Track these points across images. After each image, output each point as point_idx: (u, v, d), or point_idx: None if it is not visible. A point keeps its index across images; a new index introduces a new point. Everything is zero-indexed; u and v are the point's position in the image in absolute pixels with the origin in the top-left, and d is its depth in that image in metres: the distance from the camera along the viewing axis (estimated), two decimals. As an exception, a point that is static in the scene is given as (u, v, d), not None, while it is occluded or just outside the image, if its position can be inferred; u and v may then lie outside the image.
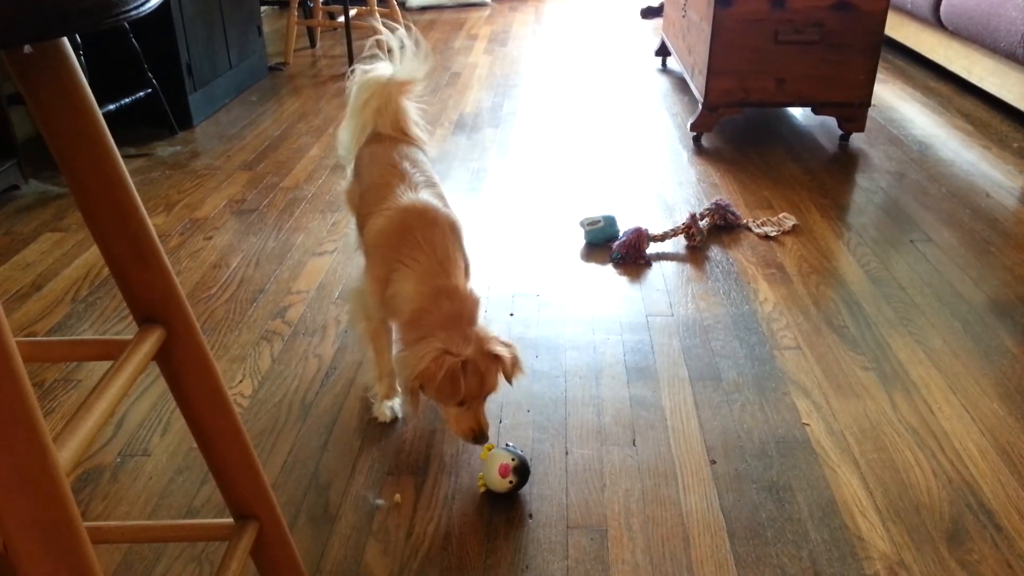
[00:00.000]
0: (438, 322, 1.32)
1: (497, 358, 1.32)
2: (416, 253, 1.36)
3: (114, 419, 1.50)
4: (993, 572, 1.17)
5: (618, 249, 2.10)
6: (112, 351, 0.71)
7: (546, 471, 1.38)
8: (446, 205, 1.48)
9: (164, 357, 0.72)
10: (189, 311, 0.71)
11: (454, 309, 1.33)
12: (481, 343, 1.31)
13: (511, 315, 1.85)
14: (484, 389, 1.32)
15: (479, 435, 1.33)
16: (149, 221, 0.67)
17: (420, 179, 1.50)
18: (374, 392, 1.53)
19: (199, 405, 0.74)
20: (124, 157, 2.80)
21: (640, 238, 2.10)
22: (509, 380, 1.36)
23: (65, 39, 0.56)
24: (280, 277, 2.01)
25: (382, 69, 1.67)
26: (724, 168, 2.70)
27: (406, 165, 1.52)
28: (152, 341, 0.68)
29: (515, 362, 1.35)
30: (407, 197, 1.42)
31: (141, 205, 0.66)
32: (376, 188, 1.49)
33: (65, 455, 0.55)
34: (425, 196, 1.43)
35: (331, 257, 2.11)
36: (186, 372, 0.72)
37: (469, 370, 1.29)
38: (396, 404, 1.51)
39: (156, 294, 0.68)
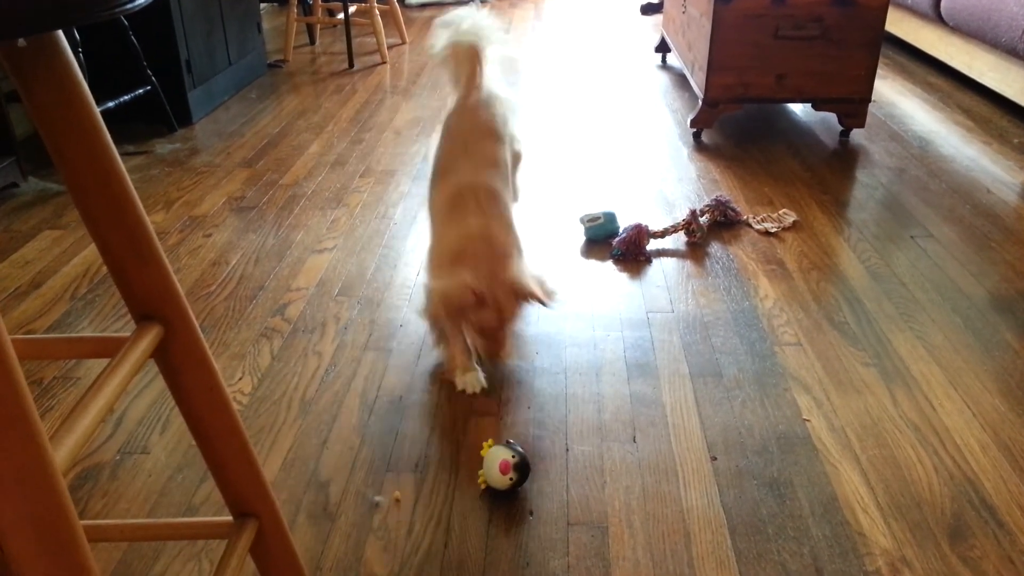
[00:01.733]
0: (470, 261, 1.52)
1: (517, 294, 1.50)
2: (463, 208, 1.60)
3: (113, 417, 1.50)
4: (995, 568, 1.17)
5: (618, 246, 2.10)
6: (109, 348, 0.70)
7: (546, 468, 1.37)
8: (507, 184, 1.71)
9: (162, 354, 0.71)
10: (187, 308, 0.71)
11: (488, 251, 1.53)
12: (504, 280, 1.49)
13: (511, 312, 1.84)
14: (502, 319, 1.49)
15: (493, 354, 1.52)
16: (146, 217, 0.67)
17: (486, 159, 1.71)
18: (460, 380, 1.59)
19: (197, 402, 0.74)
20: (123, 155, 2.79)
21: (640, 235, 2.10)
22: (542, 302, 1.53)
23: (60, 33, 0.55)
24: (280, 274, 2.01)
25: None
26: (724, 164, 2.70)
27: (479, 144, 1.74)
28: (150, 338, 0.67)
29: (534, 294, 1.51)
30: (468, 176, 1.65)
31: (138, 201, 0.66)
32: (448, 159, 1.73)
33: (61, 453, 0.54)
34: (483, 177, 1.64)
35: (331, 254, 2.11)
36: (184, 369, 0.72)
37: (487, 305, 1.47)
38: (481, 375, 1.58)
39: (154, 291, 0.68)
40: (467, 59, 1.87)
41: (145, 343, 0.67)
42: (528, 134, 3.02)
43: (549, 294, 1.54)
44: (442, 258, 1.58)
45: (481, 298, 1.47)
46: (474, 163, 1.69)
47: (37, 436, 0.49)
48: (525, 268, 1.57)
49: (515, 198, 1.94)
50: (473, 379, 1.55)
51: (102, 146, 0.61)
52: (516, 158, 1.92)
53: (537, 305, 1.54)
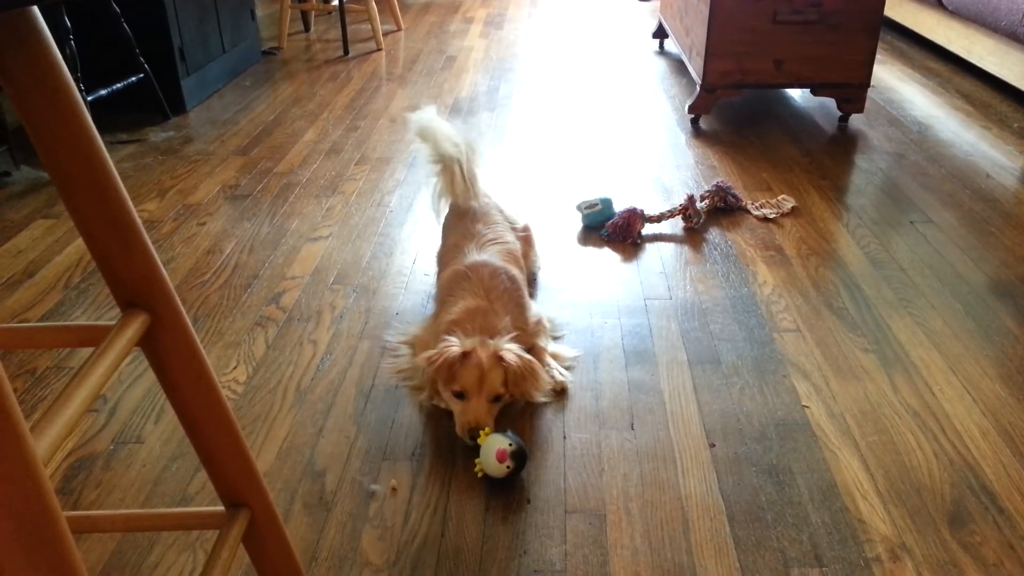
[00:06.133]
0: (463, 329, 1.46)
1: (501, 360, 1.39)
2: (466, 286, 1.55)
3: (107, 406, 1.49)
4: (995, 554, 1.16)
5: (608, 227, 2.09)
6: (96, 337, 0.69)
7: (544, 456, 1.36)
8: (515, 260, 1.69)
9: (149, 343, 0.70)
10: (174, 295, 0.69)
11: (485, 322, 1.47)
12: (494, 346, 1.41)
13: (508, 299, 1.83)
14: (484, 386, 1.39)
15: (474, 426, 1.37)
16: (130, 203, 0.65)
17: (489, 239, 1.69)
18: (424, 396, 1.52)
19: (186, 392, 0.72)
20: (116, 143, 2.77)
21: (633, 219, 2.08)
22: (515, 390, 1.43)
23: (36, 10, 0.53)
24: (274, 263, 1.99)
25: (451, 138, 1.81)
26: (722, 150, 2.68)
27: (479, 227, 1.72)
28: (135, 327, 0.66)
29: (523, 373, 1.41)
30: (471, 256, 1.63)
31: (122, 186, 0.64)
32: (452, 248, 1.70)
33: (43, 444, 0.53)
34: (485, 256, 1.63)
35: (326, 242, 2.09)
36: (172, 358, 0.70)
37: (470, 363, 1.39)
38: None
39: (139, 278, 0.66)
40: (457, 174, 1.80)
41: (131, 332, 0.65)
42: (523, 123, 3.00)
43: (527, 376, 1.42)
44: (438, 329, 1.52)
45: (466, 352, 1.40)
46: (479, 245, 1.66)
47: (16, 427, 0.47)
48: (537, 347, 1.54)
49: (532, 272, 1.91)
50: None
51: (82, 127, 0.59)
52: (526, 238, 1.89)
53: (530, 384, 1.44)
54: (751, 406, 1.47)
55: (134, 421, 1.45)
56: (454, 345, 1.41)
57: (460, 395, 1.40)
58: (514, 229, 1.83)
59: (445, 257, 1.72)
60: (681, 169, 2.54)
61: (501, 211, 1.85)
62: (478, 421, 1.37)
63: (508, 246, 1.70)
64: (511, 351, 1.41)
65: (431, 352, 1.42)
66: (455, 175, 1.77)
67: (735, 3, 2.63)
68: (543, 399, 1.49)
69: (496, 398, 1.41)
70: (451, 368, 1.38)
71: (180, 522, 0.86)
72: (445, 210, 1.86)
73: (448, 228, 1.81)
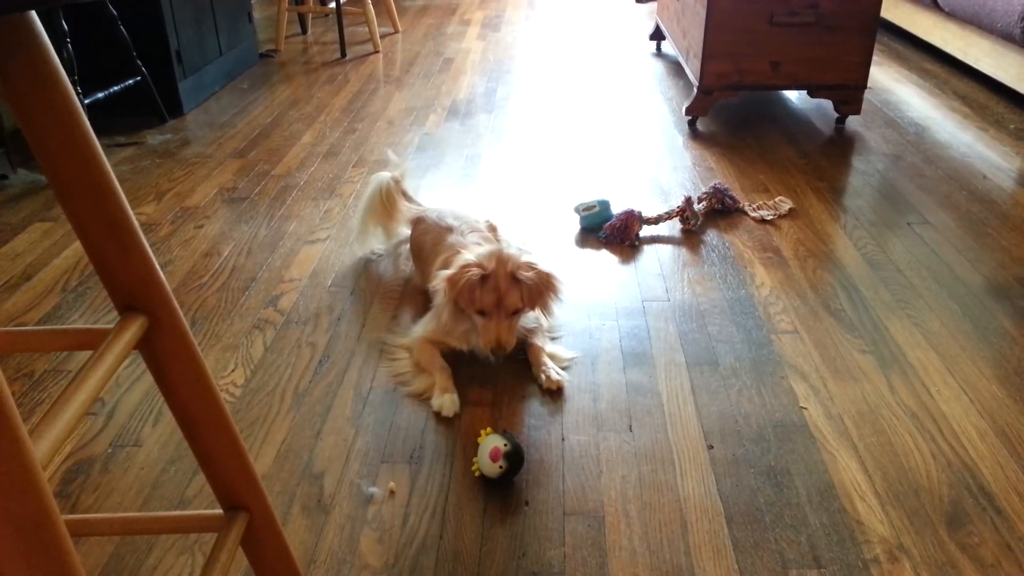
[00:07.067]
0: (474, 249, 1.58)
1: (517, 279, 1.51)
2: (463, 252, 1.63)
3: (105, 409, 1.49)
4: (993, 555, 1.16)
5: (605, 229, 2.09)
6: (94, 340, 0.69)
7: (542, 458, 1.36)
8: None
9: (147, 346, 0.70)
10: (172, 298, 0.69)
11: (491, 245, 1.60)
12: (510, 264, 1.51)
13: (506, 301, 1.83)
14: (504, 305, 1.50)
15: (496, 346, 1.50)
16: (128, 206, 0.65)
17: (465, 229, 1.76)
18: (436, 400, 1.50)
19: (184, 394, 0.72)
20: (114, 146, 2.77)
21: (630, 221, 2.08)
22: (534, 304, 1.54)
23: (34, 15, 0.54)
24: (272, 265, 1.99)
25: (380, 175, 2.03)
26: (720, 152, 2.68)
27: (450, 221, 1.80)
28: (133, 330, 0.66)
29: (539, 288, 1.52)
30: (457, 241, 1.71)
31: (119, 187, 0.64)
32: (433, 249, 1.77)
33: (42, 448, 0.53)
34: (472, 239, 1.72)
35: (324, 245, 2.09)
36: (170, 361, 0.70)
37: (488, 287, 1.50)
38: (456, 398, 1.49)
39: (137, 281, 0.66)
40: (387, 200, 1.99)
41: (129, 335, 0.65)
42: (520, 125, 3.01)
43: (544, 289, 1.54)
44: (447, 263, 1.62)
45: (485, 275, 1.50)
46: (459, 233, 1.74)
47: (14, 430, 0.47)
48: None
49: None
50: (449, 401, 1.47)
51: (80, 130, 0.59)
52: (491, 227, 1.94)
53: (544, 293, 1.56)
54: (749, 408, 1.47)
55: (132, 424, 1.45)
56: (474, 266, 1.50)
57: (482, 313, 1.52)
58: (478, 222, 1.90)
59: (426, 255, 1.79)
60: (678, 171, 2.54)
61: (463, 212, 1.91)
62: (499, 339, 1.50)
63: (483, 232, 1.80)
64: (526, 267, 1.52)
65: (452, 272, 1.52)
66: (375, 195, 1.97)
67: (732, 5, 2.64)
68: (551, 377, 1.54)
69: (516, 311, 1.53)
70: (472, 292, 1.50)
71: (178, 525, 0.85)
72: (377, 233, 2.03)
73: (419, 240, 1.86)
